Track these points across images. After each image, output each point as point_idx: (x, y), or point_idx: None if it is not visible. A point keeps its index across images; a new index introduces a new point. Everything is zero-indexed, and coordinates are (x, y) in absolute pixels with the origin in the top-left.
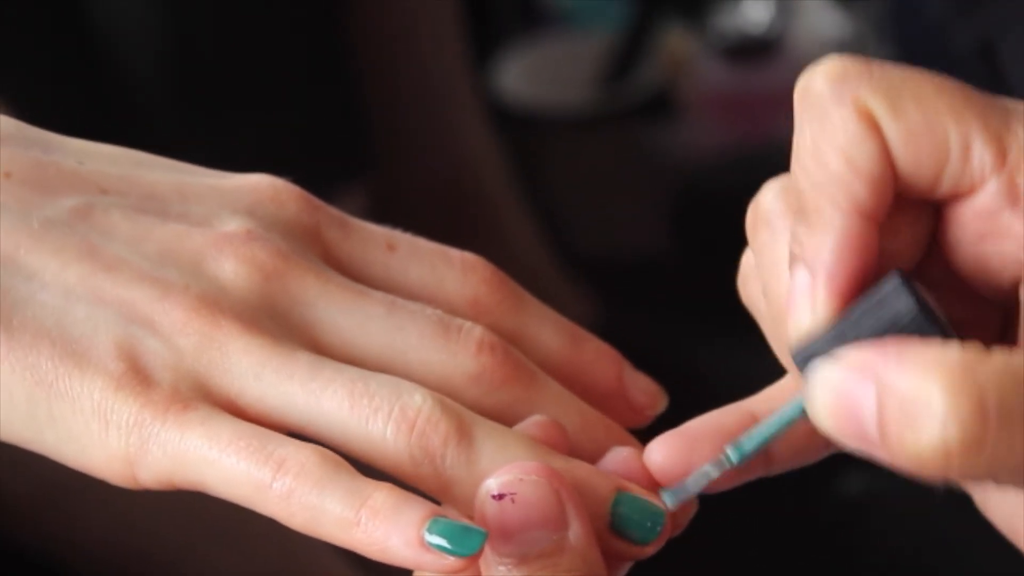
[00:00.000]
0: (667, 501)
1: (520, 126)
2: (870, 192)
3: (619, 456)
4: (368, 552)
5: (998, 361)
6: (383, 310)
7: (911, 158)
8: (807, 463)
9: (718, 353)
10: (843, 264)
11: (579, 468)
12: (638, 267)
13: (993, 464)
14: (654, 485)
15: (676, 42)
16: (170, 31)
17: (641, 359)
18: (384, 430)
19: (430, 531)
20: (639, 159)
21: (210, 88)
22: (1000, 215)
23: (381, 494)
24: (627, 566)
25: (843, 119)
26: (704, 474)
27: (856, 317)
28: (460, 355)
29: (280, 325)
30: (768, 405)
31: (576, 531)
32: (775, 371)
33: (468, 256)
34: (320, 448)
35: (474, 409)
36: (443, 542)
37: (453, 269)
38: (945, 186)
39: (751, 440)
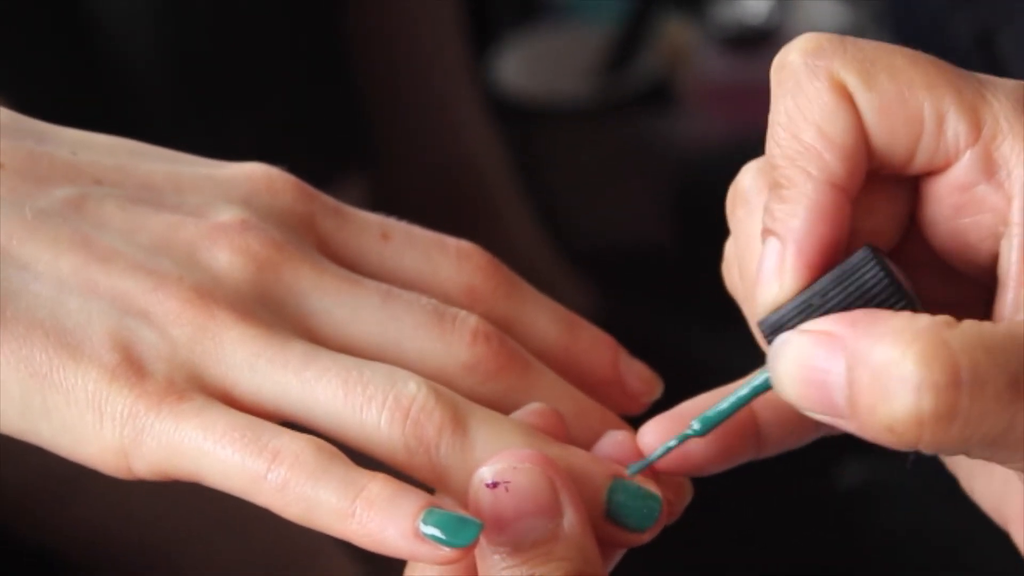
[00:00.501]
0: (629, 471)
1: (519, 117)
2: (843, 164)
3: (614, 440)
4: (363, 543)
5: (970, 331)
6: (378, 299)
7: (885, 130)
8: (797, 445)
9: (717, 343)
10: (813, 234)
11: (574, 456)
12: (637, 258)
13: (965, 434)
14: (650, 471)
15: (675, 32)
16: (170, 26)
17: (640, 350)
18: (378, 419)
19: (425, 522)
20: (638, 150)
21: (209, 83)
22: (976, 188)
23: (376, 485)
24: (621, 553)
25: (817, 92)
26: (665, 445)
27: (824, 288)
28: (455, 344)
29: (274, 315)
30: None
31: (570, 519)
32: None
33: (463, 244)
34: (315, 439)
35: (469, 398)
36: (438, 533)
37: (448, 257)
38: (920, 160)
39: (715, 411)
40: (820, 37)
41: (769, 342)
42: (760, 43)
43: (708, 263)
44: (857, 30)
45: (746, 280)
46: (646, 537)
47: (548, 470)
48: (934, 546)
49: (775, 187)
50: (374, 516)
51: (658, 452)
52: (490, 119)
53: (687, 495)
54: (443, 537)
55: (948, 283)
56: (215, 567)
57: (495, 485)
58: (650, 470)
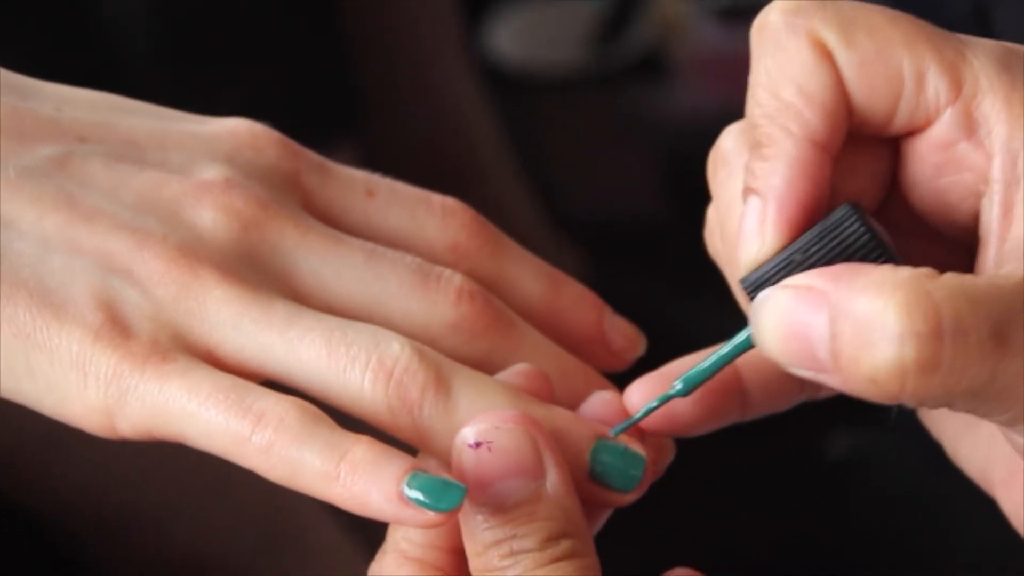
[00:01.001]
0: (611, 432)
1: (512, 87)
2: (823, 121)
3: (601, 400)
4: (347, 506)
5: (952, 282)
6: (362, 258)
7: (865, 88)
8: (783, 408)
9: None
10: (794, 191)
11: (559, 416)
12: (628, 228)
13: (948, 385)
14: (636, 431)
15: (668, 3)
16: None
17: (630, 318)
18: (362, 380)
19: (409, 486)
20: (631, 121)
21: (199, 44)
22: (956, 146)
23: (360, 448)
24: (607, 513)
25: (797, 49)
26: (647, 406)
27: (806, 244)
28: (439, 303)
29: (258, 274)
30: None
31: (553, 479)
32: None
33: (448, 201)
34: (300, 401)
35: (453, 357)
36: (422, 497)
37: (433, 214)
38: (901, 119)
39: (697, 370)
40: None
41: (751, 299)
42: (753, 15)
43: (698, 233)
44: None
45: (728, 242)
46: (630, 498)
47: (531, 430)
48: (921, 515)
49: (756, 146)
50: (358, 479)
51: (640, 413)
52: (482, 89)
53: (669, 454)
54: (427, 501)
55: (930, 244)
56: (203, 532)
57: (478, 445)
58: (636, 431)
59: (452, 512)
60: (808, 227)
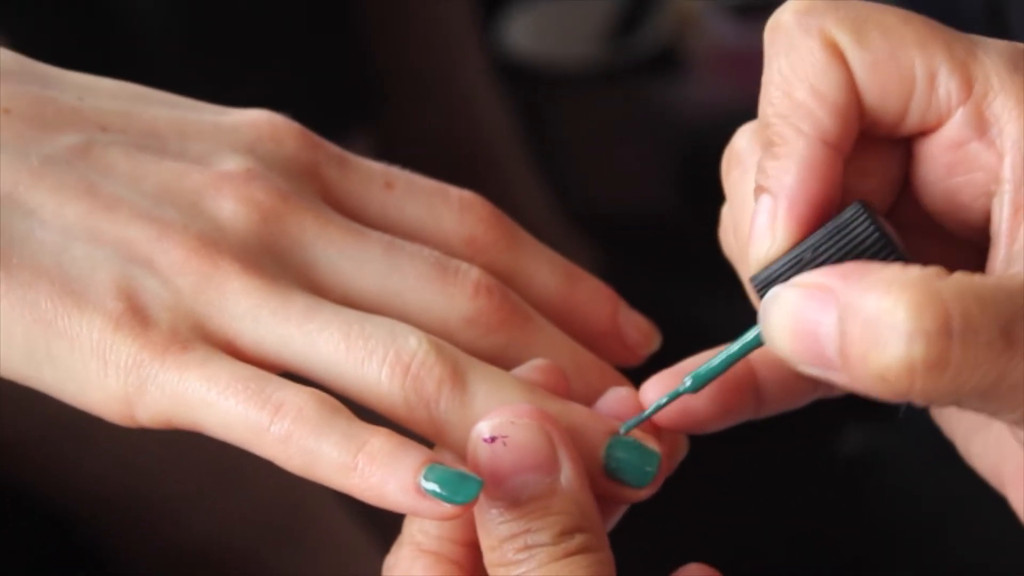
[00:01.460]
0: (621, 429)
1: (527, 81)
2: (835, 121)
3: (617, 396)
4: (364, 497)
5: (961, 281)
6: (380, 251)
7: (877, 88)
8: (797, 406)
9: (719, 307)
10: (805, 190)
11: (574, 412)
12: (643, 223)
13: (957, 383)
14: (651, 427)
15: None
16: None
17: (645, 313)
18: (379, 373)
19: (426, 478)
20: (645, 115)
21: (216, 34)
22: (968, 146)
23: (378, 440)
24: (623, 509)
25: (809, 50)
26: (656, 402)
27: (816, 243)
28: (457, 297)
29: (278, 265)
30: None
31: (568, 474)
32: None
33: (466, 194)
34: (318, 392)
35: (470, 351)
36: (438, 489)
37: (451, 207)
38: (912, 118)
39: (706, 367)
40: None
41: (761, 297)
42: (768, 10)
43: (712, 228)
44: None
45: (740, 240)
46: (644, 494)
47: (546, 425)
48: (933, 511)
49: (768, 145)
50: (375, 471)
51: (650, 409)
52: (497, 82)
53: (682, 450)
54: (443, 493)
55: (941, 244)
56: (220, 523)
57: (493, 440)
58: (651, 427)
59: (468, 505)
60: (819, 226)
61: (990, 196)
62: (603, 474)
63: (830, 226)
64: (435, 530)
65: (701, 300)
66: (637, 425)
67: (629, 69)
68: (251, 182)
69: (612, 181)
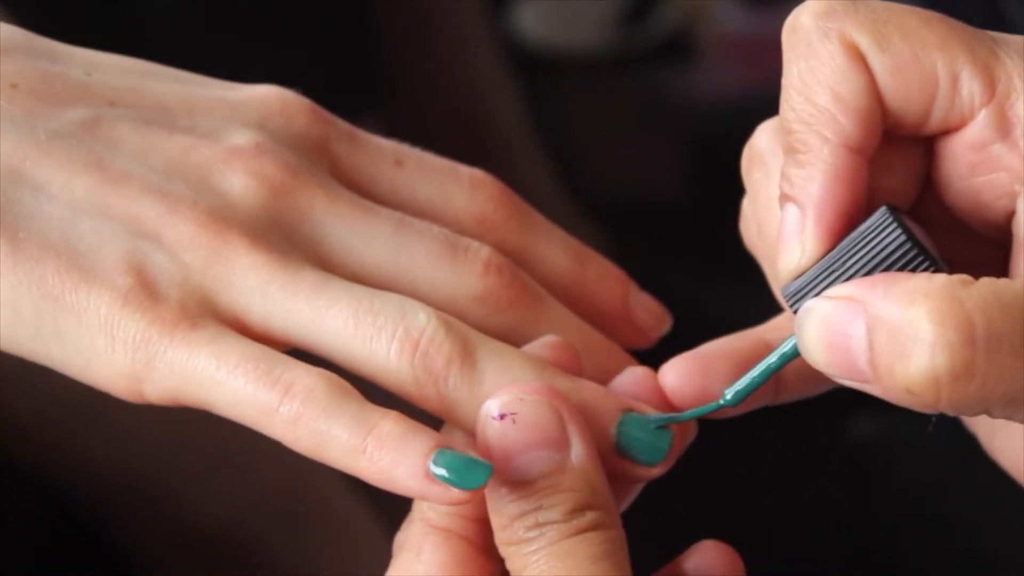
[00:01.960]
0: (651, 421)
1: (537, 68)
2: (858, 126)
3: (633, 376)
4: (373, 480)
5: (985, 289)
6: (390, 228)
7: (899, 91)
8: (813, 393)
9: (731, 296)
10: (832, 198)
11: (585, 389)
12: (652, 210)
13: (984, 393)
14: (666, 406)
15: None
16: None
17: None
18: (388, 350)
19: (435, 463)
20: (655, 102)
21: (226, 17)
22: (991, 147)
23: (388, 423)
24: (637, 488)
25: (829, 54)
26: (695, 410)
27: (845, 253)
28: (466, 275)
29: (287, 241)
30: (779, 334)
31: (578, 451)
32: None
33: (476, 173)
34: (328, 373)
35: (479, 329)
36: (447, 474)
37: (461, 186)
38: (935, 120)
39: (746, 383)
40: None
41: (793, 309)
42: None
43: (723, 217)
44: None
45: (766, 240)
46: (656, 471)
47: (555, 402)
48: (943, 498)
49: (791, 152)
50: (385, 454)
51: (687, 414)
52: (507, 69)
53: (692, 431)
54: (452, 478)
55: (965, 243)
56: (227, 505)
57: (502, 417)
58: (666, 406)
59: (477, 491)
60: (847, 231)
61: (1013, 196)
62: (614, 451)
63: (857, 234)
64: (446, 506)
65: (709, 286)
66: (670, 423)
67: (639, 56)
68: (261, 157)
69: (621, 168)
